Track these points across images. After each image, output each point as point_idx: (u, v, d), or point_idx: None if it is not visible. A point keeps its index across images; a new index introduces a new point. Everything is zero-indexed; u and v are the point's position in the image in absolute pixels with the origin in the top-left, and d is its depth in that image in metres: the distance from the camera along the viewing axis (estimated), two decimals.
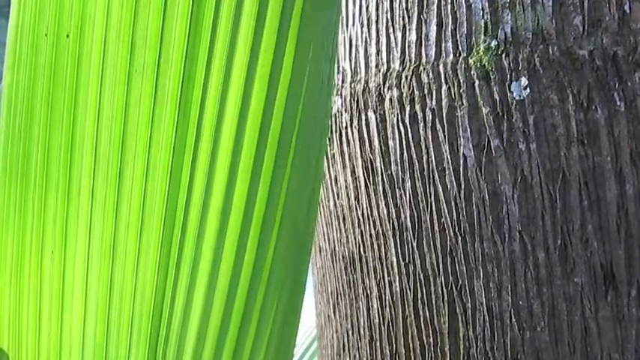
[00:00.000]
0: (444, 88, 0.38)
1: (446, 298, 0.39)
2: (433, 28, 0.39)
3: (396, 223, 0.41)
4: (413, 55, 0.40)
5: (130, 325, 0.31)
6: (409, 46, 0.40)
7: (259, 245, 0.30)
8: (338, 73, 0.46)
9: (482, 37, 0.37)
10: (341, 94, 0.45)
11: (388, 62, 0.41)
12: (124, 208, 0.30)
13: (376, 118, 0.42)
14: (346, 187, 0.45)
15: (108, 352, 0.31)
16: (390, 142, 0.41)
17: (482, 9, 0.37)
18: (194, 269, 0.30)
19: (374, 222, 0.43)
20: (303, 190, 0.31)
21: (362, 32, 0.43)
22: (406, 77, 0.40)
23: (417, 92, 0.39)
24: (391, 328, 0.43)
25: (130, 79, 0.29)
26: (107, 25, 0.29)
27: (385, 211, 0.42)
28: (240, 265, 0.30)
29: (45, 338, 0.32)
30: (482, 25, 0.37)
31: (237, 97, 0.29)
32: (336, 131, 0.45)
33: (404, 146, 0.40)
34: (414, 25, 0.40)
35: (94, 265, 0.31)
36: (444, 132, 0.38)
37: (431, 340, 0.40)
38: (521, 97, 0.36)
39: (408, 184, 0.40)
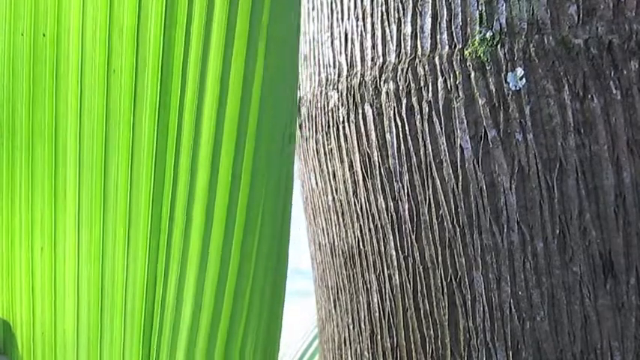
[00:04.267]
0: (440, 80, 0.38)
1: (445, 290, 0.39)
2: (428, 20, 0.39)
3: (394, 217, 0.41)
4: (408, 48, 0.40)
5: (124, 319, 0.31)
6: (404, 38, 0.40)
7: (245, 231, 0.31)
8: (334, 67, 0.46)
9: (478, 28, 0.37)
10: (337, 89, 0.45)
11: (384, 55, 0.41)
12: (110, 202, 0.31)
13: (373, 112, 0.42)
14: (344, 182, 0.45)
15: (102, 346, 0.32)
16: (387, 136, 0.41)
17: (477, 0, 0.37)
18: (184, 258, 0.31)
19: (372, 216, 0.43)
20: (271, 175, 0.31)
21: (357, 26, 0.43)
22: (402, 70, 0.40)
23: (413, 85, 0.39)
24: (391, 321, 0.43)
25: (109, 79, 0.30)
26: (83, 24, 0.30)
27: (384, 205, 0.42)
28: (228, 251, 0.31)
29: (39, 336, 0.32)
30: (477, 17, 0.37)
31: (213, 92, 0.30)
32: (333, 126, 0.45)
33: (401, 139, 0.40)
34: (409, 18, 0.40)
35: (83, 260, 0.31)
36: (440, 124, 0.38)
37: (431, 332, 0.40)
38: (517, 88, 0.36)
39: (405, 177, 0.40)
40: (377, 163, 0.42)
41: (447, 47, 0.38)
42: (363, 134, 0.42)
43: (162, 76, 0.30)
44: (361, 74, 0.43)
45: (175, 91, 0.30)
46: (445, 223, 0.39)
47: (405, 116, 0.40)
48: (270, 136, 0.31)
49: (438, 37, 0.39)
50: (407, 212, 0.41)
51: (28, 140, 0.32)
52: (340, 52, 0.45)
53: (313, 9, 0.48)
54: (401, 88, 0.40)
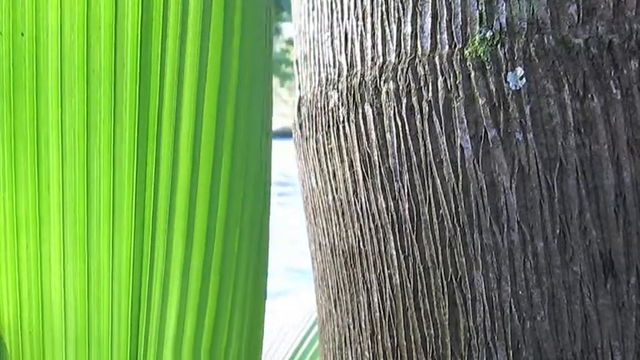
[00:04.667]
0: (440, 79, 0.38)
1: (446, 290, 0.39)
2: (428, 20, 0.39)
3: (394, 216, 0.41)
4: (408, 48, 0.40)
5: (110, 314, 0.32)
6: (404, 38, 0.40)
7: (226, 226, 0.32)
8: (334, 67, 0.46)
9: (478, 27, 0.37)
10: (337, 88, 0.45)
11: (384, 55, 0.41)
12: (94, 199, 0.31)
13: (373, 112, 0.42)
14: (344, 182, 0.45)
15: (90, 343, 0.32)
16: (388, 135, 0.41)
17: (477, 0, 0.37)
18: (168, 252, 0.31)
19: (373, 216, 0.43)
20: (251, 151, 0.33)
21: (357, 26, 0.43)
22: (402, 70, 0.40)
23: (413, 84, 0.39)
24: (392, 320, 0.43)
25: (88, 79, 0.31)
26: (61, 24, 0.31)
27: (384, 205, 0.42)
28: (211, 245, 0.32)
29: (27, 335, 0.33)
30: (477, 16, 0.37)
31: (191, 87, 0.31)
32: (333, 125, 0.45)
33: (401, 139, 0.40)
34: (408, 18, 0.40)
35: (69, 258, 0.32)
36: (440, 124, 0.38)
37: (432, 331, 0.41)
38: (517, 88, 0.36)
39: (405, 177, 0.40)
40: (377, 163, 0.42)
41: (447, 47, 0.38)
42: (363, 134, 0.42)
43: (140, 75, 0.30)
44: (361, 74, 0.43)
45: (154, 89, 0.31)
46: (445, 223, 0.39)
47: (405, 116, 0.40)
48: (248, 131, 0.32)
49: (438, 36, 0.39)
50: (407, 212, 0.41)
51: (10, 139, 0.32)
52: (340, 52, 0.45)
53: (313, 9, 0.48)
54: (401, 87, 0.40)
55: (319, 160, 0.48)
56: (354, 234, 0.45)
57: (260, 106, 0.33)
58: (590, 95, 0.35)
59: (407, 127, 0.40)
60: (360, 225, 0.44)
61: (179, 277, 0.32)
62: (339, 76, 0.45)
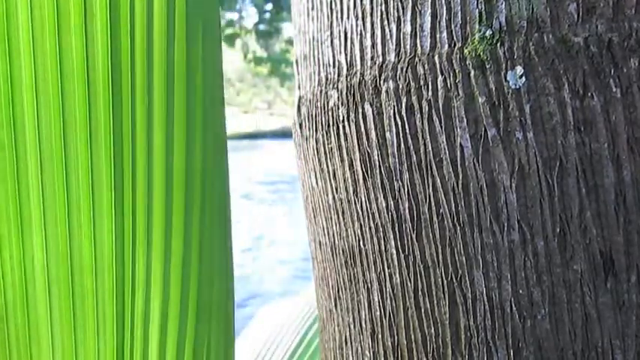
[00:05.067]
0: (440, 78, 0.38)
1: (446, 289, 0.39)
2: (428, 18, 0.39)
3: (394, 216, 0.41)
4: (408, 47, 0.40)
5: (95, 307, 0.34)
6: (404, 37, 0.40)
7: (201, 221, 0.34)
8: (334, 66, 0.46)
9: (477, 26, 0.37)
10: (337, 88, 0.45)
11: (383, 54, 0.41)
12: (74, 195, 0.33)
13: (373, 111, 0.42)
14: (344, 181, 0.45)
15: (76, 336, 0.33)
16: (387, 135, 0.41)
17: None
18: (149, 248, 0.33)
19: (373, 215, 0.43)
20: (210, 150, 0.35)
21: (357, 25, 0.43)
22: (402, 69, 0.40)
23: (412, 84, 0.39)
24: (392, 320, 0.43)
25: (62, 79, 0.32)
26: (32, 25, 0.32)
27: (384, 204, 0.42)
28: (189, 239, 0.34)
29: (13, 329, 0.34)
30: (477, 15, 0.37)
31: (161, 87, 0.33)
32: (333, 125, 0.45)
33: (401, 138, 0.40)
34: (408, 17, 0.40)
35: (52, 253, 0.33)
36: (440, 123, 0.38)
37: (432, 330, 0.41)
38: (517, 86, 0.36)
39: (405, 176, 0.40)
40: (377, 162, 0.42)
41: (446, 46, 0.38)
42: (363, 133, 0.42)
43: (112, 74, 0.32)
44: (361, 73, 0.43)
45: (126, 88, 0.32)
46: (445, 222, 0.39)
47: (404, 115, 0.40)
48: (210, 130, 0.34)
49: (438, 35, 0.39)
50: (407, 211, 0.41)
51: None
52: (340, 52, 0.45)
53: (313, 8, 0.48)
54: (401, 87, 0.40)
55: (319, 160, 0.48)
56: (354, 233, 0.45)
57: (217, 105, 0.35)
58: (589, 94, 0.35)
59: (407, 127, 0.40)
60: (360, 224, 0.44)
61: (160, 269, 0.33)
62: (338, 75, 0.45)
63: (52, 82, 0.31)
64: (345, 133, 0.44)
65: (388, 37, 0.41)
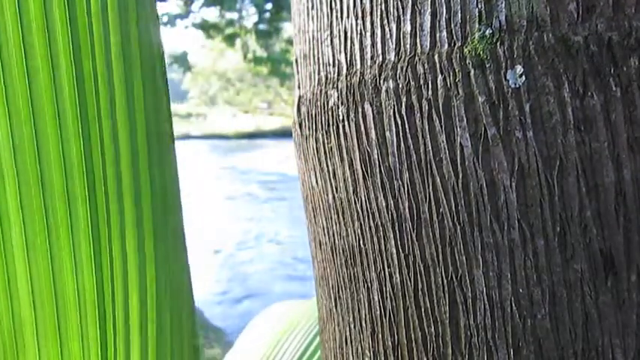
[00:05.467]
0: (440, 78, 0.38)
1: (446, 288, 0.39)
2: (427, 18, 0.39)
3: (394, 215, 0.41)
4: (408, 46, 0.40)
5: (78, 308, 0.35)
6: (404, 36, 0.40)
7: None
8: (334, 66, 0.46)
9: (477, 25, 0.37)
10: (337, 87, 0.45)
11: (383, 54, 0.41)
12: (49, 202, 0.35)
13: (373, 110, 0.42)
14: (344, 181, 0.45)
15: (61, 333, 0.35)
16: (387, 134, 0.41)
17: None
18: (123, 251, 0.36)
19: (373, 214, 0.43)
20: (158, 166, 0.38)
21: (357, 24, 0.43)
22: (402, 68, 0.40)
23: (412, 83, 0.39)
24: (392, 319, 0.43)
25: (30, 79, 0.34)
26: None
27: (384, 203, 0.42)
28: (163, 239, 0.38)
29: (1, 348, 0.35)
30: (477, 14, 0.37)
31: (121, 88, 0.35)
32: (333, 124, 0.45)
33: (401, 137, 0.40)
34: (408, 16, 0.40)
35: (32, 259, 0.35)
36: (440, 122, 0.38)
37: (432, 330, 0.40)
38: (517, 85, 0.36)
39: (405, 175, 0.40)
40: (377, 162, 0.42)
41: (446, 45, 0.38)
42: (363, 133, 0.42)
43: (76, 73, 0.34)
44: (361, 73, 0.43)
45: (90, 87, 0.34)
46: (445, 221, 0.39)
47: (404, 114, 0.40)
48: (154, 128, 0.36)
49: (438, 35, 0.39)
50: (407, 210, 0.41)
51: None
52: (340, 51, 0.45)
53: (312, 7, 0.48)
54: (400, 86, 0.40)
55: (319, 159, 0.48)
56: (354, 232, 0.45)
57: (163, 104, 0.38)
58: (589, 93, 0.35)
59: (407, 126, 0.40)
60: (360, 223, 0.44)
61: (135, 264, 0.36)
62: (338, 75, 0.45)
63: (20, 82, 0.33)
64: (344, 133, 0.44)
65: (388, 36, 0.41)
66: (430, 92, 0.39)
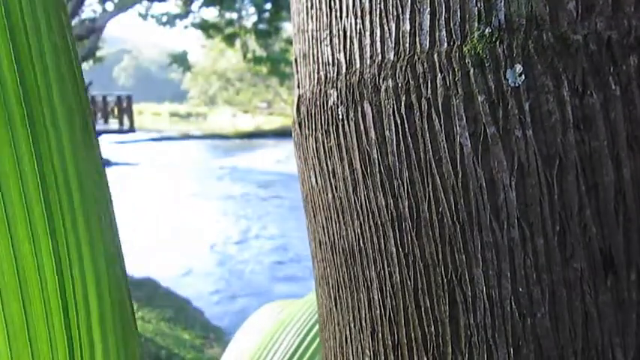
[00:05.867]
0: (439, 77, 0.38)
1: (446, 287, 0.39)
2: (427, 17, 0.39)
3: (394, 214, 0.41)
4: (407, 45, 0.40)
5: (43, 302, 0.38)
6: (403, 36, 0.40)
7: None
8: (333, 65, 0.45)
9: (476, 24, 0.37)
10: (336, 87, 0.45)
11: (383, 53, 0.41)
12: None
13: (372, 110, 0.42)
14: (344, 180, 0.45)
15: (29, 330, 0.38)
16: (387, 133, 0.41)
17: None
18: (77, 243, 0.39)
19: (372, 213, 0.43)
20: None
21: (356, 23, 0.43)
22: (401, 67, 0.40)
23: (412, 82, 0.39)
24: (392, 318, 0.43)
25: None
26: None
27: (383, 203, 0.42)
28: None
29: None
30: (476, 13, 0.37)
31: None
32: (332, 124, 0.45)
33: (400, 137, 0.40)
34: (407, 15, 0.40)
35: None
36: (439, 121, 0.38)
37: (432, 329, 0.40)
38: (517, 84, 0.36)
39: (405, 175, 0.40)
40: (376, 161, 0.42)
41: (445, 44, 0.38)
42: (363, 132, 0.42)
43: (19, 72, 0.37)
44: (360, 72, 0.43)
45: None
46: (445, 221, 0.39)
47: (404, 114, 0.40)
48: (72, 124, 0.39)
49: (437, 34, 0.38)
50: (407, 209, 0.41)
51: None
52: (339, 50, 0.45)
53: (312, 7, 0.48)
54: (400, 85, 0.40)
55: (319, 159, 0.48)
56: (354, 232, 0.45)
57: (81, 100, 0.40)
58: (589, 92, 0.35)
59: (406, 125, 0.40)
60: (360, 223, 0.44)
61: (89, 252, 0.40)
62: (337, 74, 0.45)
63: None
64: (344, 132, 0.44)
65: (387, 35, 0.41)
66: (430, 91, 0.39)
